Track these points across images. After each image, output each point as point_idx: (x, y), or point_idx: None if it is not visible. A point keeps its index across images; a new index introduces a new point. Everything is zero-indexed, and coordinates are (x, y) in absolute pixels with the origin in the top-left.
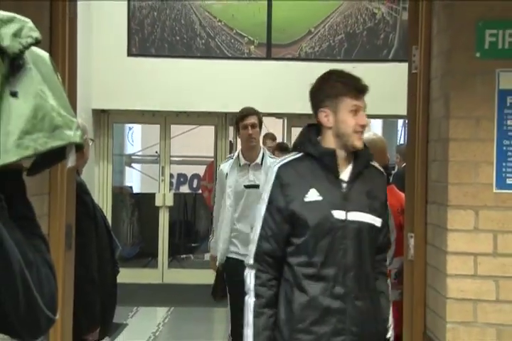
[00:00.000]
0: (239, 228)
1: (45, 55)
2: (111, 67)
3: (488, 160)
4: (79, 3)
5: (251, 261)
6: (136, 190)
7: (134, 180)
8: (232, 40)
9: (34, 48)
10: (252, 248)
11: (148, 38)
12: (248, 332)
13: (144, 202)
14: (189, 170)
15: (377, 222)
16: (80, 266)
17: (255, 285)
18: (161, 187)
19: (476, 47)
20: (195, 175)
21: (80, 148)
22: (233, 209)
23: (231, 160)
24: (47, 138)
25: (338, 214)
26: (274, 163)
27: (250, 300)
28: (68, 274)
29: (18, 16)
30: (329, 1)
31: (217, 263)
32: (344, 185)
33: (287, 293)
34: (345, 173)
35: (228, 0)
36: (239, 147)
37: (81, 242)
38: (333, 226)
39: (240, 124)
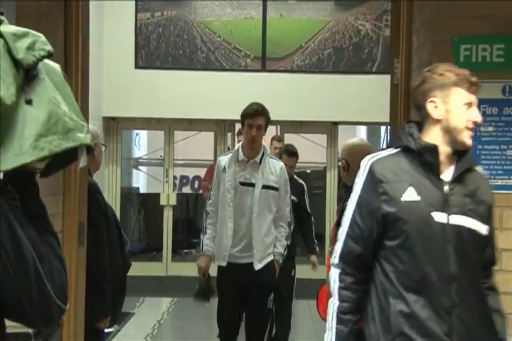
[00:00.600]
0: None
1: (56, 66)
2: (120, 79)
3: None
4: (90, 20)
5: (336, 261)
6: (142, 190)
7: (141, 181)
8: (230, 54)
9: (47, 60)
10: (338, 247)
11: (153, 51)
12: (331, 338)
13: (150, 202)
14: (191, 172)
15: (482, 229)
16: (92, 259)
17: (339, 288)
18: (165, 187)
19: (452, 60)
20: (197, 177)
21: (90, 149)
22: (234, 203)
23: (230, 154)
24: (61, 140)
25: (439, 217)
26: (366, 158)
27: (334, 303)
28: (80, 267)
29: (32, 31)
30: (318, 19)
31: (214, 262)
32: (446, 186)
33: (380, 300)
34: (448, 173)
35: (227, 17)
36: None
37: (93, 238)
38: (433, 230)
39: (245, 121)
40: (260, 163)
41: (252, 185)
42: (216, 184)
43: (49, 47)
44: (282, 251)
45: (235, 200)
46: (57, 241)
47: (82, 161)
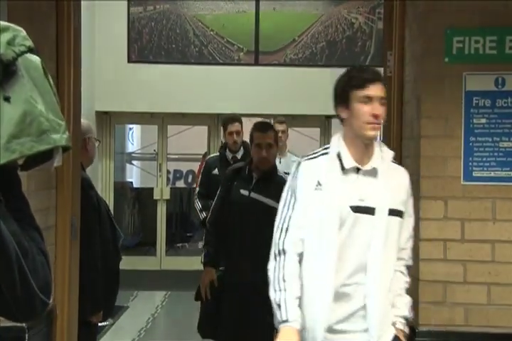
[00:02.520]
0: None
1: (37, 60)
2: (112, 73)
3: (456, 155)
4: (82, 14)
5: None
6: (136, 184)
7: (134, 175)
8: (223, 48)
9: (27, 54)
10: None
11: (146, 46)
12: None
13: (143, 196)
14: (184, 167)
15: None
16: (84, 253)
17: None
18: (158, 182)
19: (445, 52)
20: (190, 171)
21: (66, 149)
22: None
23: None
24: (34, 142)
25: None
26: None
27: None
28: (74, 261)
29: (13, 26)
30: (311, 12)
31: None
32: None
33: None
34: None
35: (219, 11)
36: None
37: (86, 232)
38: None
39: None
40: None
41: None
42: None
43: (29, 43)
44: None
45: None
46: (41, 235)
47: (57, 161)
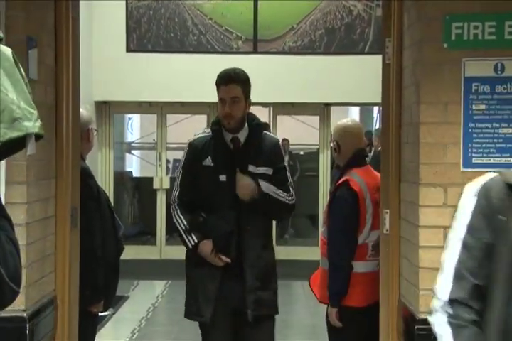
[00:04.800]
0: None
1: (7, 50)
2: (111, 62)
3: (455, 141)
4: (80, 3)
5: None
6: (135, 174)
7: (134, 165)
8: (222, 36)
9: None
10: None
11: (145, 35)
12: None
13: (143, 186)
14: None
15: None
16: (84, 243)
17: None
18: (158, 171)
19: (444, 38)
20: None
21: (39, 137)
22: None
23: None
24: (6, 129)
25: None
26: None
27: None
28: (74, 251)
29: None
30: (310, 0)
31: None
32: None
33: None
34: None
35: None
36: None
37: (85, 222)
38: None
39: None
40: None
41: None
42: None
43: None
44: None
45: None
46: (11, 224)
47: (30, 149)
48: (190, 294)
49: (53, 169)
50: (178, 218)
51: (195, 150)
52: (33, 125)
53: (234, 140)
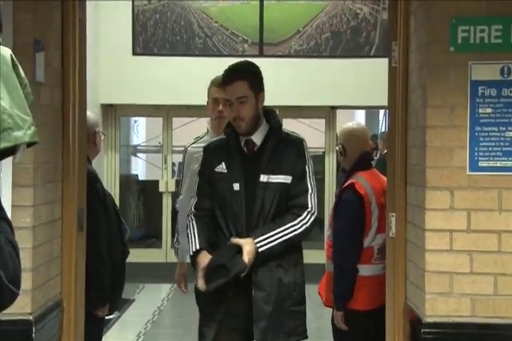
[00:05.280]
0: None
1: (5, 52)
2: (118, 66)
3: (462, 145)
4: (87, 6)
5: None
6: (141, 177)
7: (140, 168)
8: (228, 40)
9: None
10: None
11: (151, 38)
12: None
13: (149, 188)
14: None
15: None
16: (90, 246)
17: None
18: (164, 174)
19: (450, 42)
20: None
21: (32, 144)
22: None
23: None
24: None
25: None
26: None
27: None
28: (80, 253)
29: None
30: (316, 3)
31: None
32: None
33: None
34: None
35: (224, 3)
36: None
37: (92, 225)
38: None
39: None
40: None
41: None
42: None
43: None
44: None
45: None
46: (10, 226)
47: (18, 157)
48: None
49: (60, 172)
50: (191, 233)
51: (209, 154)
52: (23, 134)
53: (247, 143)
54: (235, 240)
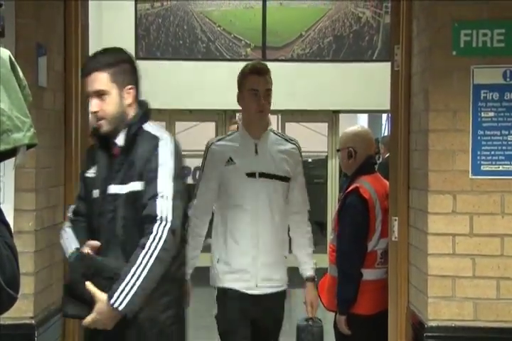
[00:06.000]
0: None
1: (4, 54)
2: None
3: (464, 149)
4: (90, 10)
5: None
6: None
7: None
8: (231, 44)
9: None
10: None
11: (154, 42)
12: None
13: None
14: (192, 163)
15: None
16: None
17: None
18: None
19: (453, 45)
20: (198, 168)
21: (32, 146)
22: None
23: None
24: None
25: None
26: None
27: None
28: None
29: None
30: (318, 7)
31: None
32: None
33: None
34: None
35: (226, 7)
36: None
37: None
38: None
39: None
40: None
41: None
42: None
43: None
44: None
45: None
46: (9, 230)
47: (18, 160)
48: None
49: (62, 176)
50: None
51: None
52: (23, 136)
53: (112, 145)
54: (92, 289)
